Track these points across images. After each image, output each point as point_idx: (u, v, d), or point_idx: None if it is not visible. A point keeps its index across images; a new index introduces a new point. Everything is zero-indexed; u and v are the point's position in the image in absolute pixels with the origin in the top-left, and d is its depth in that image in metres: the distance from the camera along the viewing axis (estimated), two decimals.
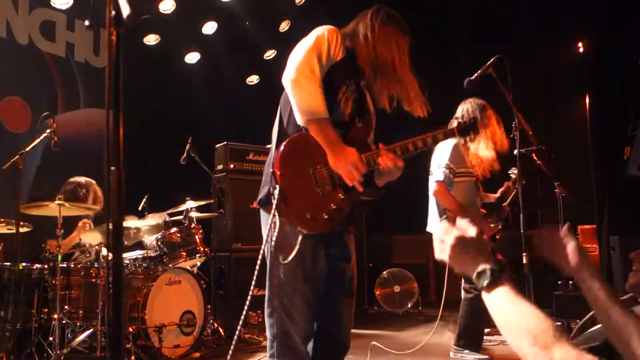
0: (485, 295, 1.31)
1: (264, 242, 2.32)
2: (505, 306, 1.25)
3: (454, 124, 3.90)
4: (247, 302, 2.26)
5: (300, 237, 2.23)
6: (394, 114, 2.50)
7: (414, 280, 6.97)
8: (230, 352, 2.34)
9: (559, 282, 5.66)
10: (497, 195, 4.50)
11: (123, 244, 1.06)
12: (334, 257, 2.38)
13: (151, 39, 6.69)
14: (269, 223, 2.27)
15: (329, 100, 2.29)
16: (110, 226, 1.05)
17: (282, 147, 2.24)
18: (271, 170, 2.25)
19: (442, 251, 1.41)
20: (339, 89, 2.35)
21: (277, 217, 2.23)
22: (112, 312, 1.02)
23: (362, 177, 2.25)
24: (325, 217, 2.23)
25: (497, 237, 4.40)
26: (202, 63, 7.22)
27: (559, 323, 4.95)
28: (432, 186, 4.15)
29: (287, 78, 2.24)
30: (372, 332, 5.75)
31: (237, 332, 2.39)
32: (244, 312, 2.29)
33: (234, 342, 2.33)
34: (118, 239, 1.05)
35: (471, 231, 1.38)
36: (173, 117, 6.74)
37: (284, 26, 7.37)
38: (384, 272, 7.08)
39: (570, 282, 5.94)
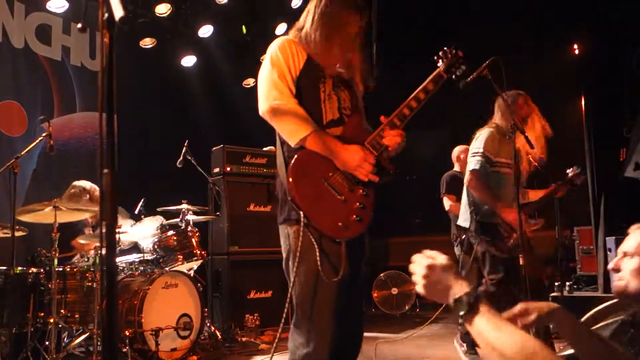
0: (467, 326, 1.29)
1: (285, 255, 2.32)
2: (489, 333, 1.23)
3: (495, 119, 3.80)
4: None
5: (343, 246, 2.21)
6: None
7: (411, 282, 6.94)
8: None
9: (556, 284, 5.67)
10: (541, 195, 4.09)
11: (116, 247, 1.06)
12: (355, 258, 2.34)
13: (147, 42, 6.70)
14: (289, 238, 2.27)
15: (314, 107, 2.31)
16: (104, 229, 1.05)
17: (290, 172, 2.24)
18: (289, 198, 2.23)
19: (416, 283, 1.39)
20: (317, 92, 2.35)
21: (299, 239, 2.19)
22: (104, 315, 1.01)
23: (374, 168, 2.26)
24: (356, 219, 2.25)
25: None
26: (199, 66, 7.22)
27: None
28: (466, 176, 3.90)
29: (262, 111, 2.27)
30: (370, 335, 5.75)
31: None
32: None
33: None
34: (111, 242, 1.05)
35: (440, 259, 1.36)
36: (169, 120, 6.74)
37: (281, 29, 7.37)
38: (381, 275, 7.07)
39: (568, 283, 5.96)
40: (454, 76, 2.50)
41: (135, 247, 5.21)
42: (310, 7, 2.43)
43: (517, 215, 3.34)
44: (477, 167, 3.77)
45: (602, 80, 5.92)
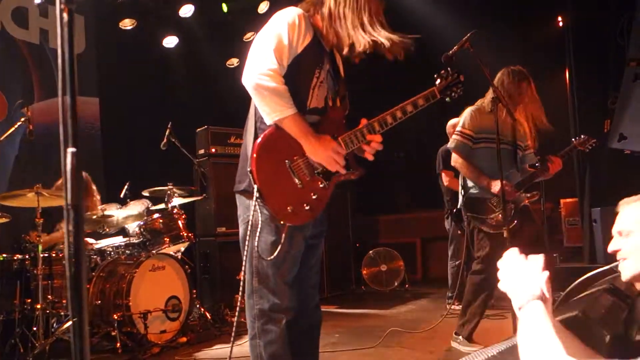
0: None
1: (241, 225, 2.34)
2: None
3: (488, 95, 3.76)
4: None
5: (281, 228, 2.24)
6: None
7: (400, 258, 7.00)
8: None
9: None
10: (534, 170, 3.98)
11: (83, 230, 1.04)
12: (311, 237, 2.41)
13: (127, 24, 6.58)
14: (249, 209, 2.26)
15: (303, 90, 2.28)
16: (71, 211, 1.03)
17: (256, 146, 2.22)
18: (248, 169, 2.22)
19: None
20: (311, 76, 2.32)
21: (258, 212, 2.22)
22: (72, 301, 1.00)
23: (342, 160, 2.27)
24: (307, 207, 2.26)
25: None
26: (181, 47, 7.12)
27: (561, 293, 5.00)
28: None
29: (248, 81, 2.20)
30: (361, 312, 5.80)
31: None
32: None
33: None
34: (78, 225, 1.02)
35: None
36: (153, 102, 6.66)
37: (263, 7, 7.27)
38: (370, 252, 7.10)
39: (555, 254, 6.02)
40: (447, 98, 2.45)
41: (121, 231, 5.18)
42: None
43: (509, 188, 3.46)
44: (454, 145, 3.86)
45: (586, 52, 5.91)
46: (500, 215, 3.62)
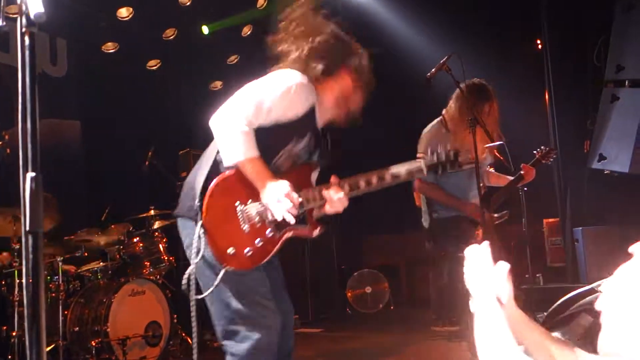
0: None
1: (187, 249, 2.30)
2: None
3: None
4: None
5: (222, 272, 2.19)
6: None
7: (385, 280, 6.97)
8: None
9: (526, 276, 5.72)
10: (510, 179, 3.99)
11: (42, 258, 1.01)
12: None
13: (110, 47, 6.56)
14: (193, 235, 2.22)
15: (270, 152, 2.25)
16: (30, 238, 1.00)
17: (212, 184, 2.21)
18: (198, 203, 2.20)
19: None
20: (283, 144, 2.30)
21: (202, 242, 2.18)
22: (30, 331, 0.97)
23: (294, 210, 2.16)
24: (249, 253, 2.20)
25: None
26: (164, 70, 7.11)
27: (544, 313, 5.00)
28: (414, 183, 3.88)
29: (217, 119, 2.20)
30: (345, 334, 5.74)
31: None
32: None
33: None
34: (37, 251, 1.00)
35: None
36: (135, 125, 6.62)
37: (247, 30, 7.31)
38: (355, 274, 7.06)
39: (537, 275, 6.02)
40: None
41: (102, 255, 5.10)
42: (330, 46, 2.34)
43: (478, 208, 3.38)
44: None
45: (565, 74, 5.99)
46: (472, 235, 3.59)
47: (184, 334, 4.92)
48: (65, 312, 4.27)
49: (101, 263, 4.86)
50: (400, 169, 2.26)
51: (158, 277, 4.82)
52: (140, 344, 4.31)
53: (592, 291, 2.21)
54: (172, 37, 6.87)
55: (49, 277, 4.30)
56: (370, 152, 6.02)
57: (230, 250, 2.18)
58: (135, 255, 4.73)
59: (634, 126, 4.93)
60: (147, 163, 5.32)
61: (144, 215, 5.01)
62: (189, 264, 2.23)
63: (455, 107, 3.74)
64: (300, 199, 2.19)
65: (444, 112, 3.90)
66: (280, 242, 2.26)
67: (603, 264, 5.06)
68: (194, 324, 2.27)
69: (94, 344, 4.06)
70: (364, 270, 7.09)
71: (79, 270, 4.75)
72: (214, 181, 2.21)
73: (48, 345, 4.07)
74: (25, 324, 0.98)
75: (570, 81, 6.02)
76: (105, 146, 6.27)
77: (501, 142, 4.18)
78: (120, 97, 6.47)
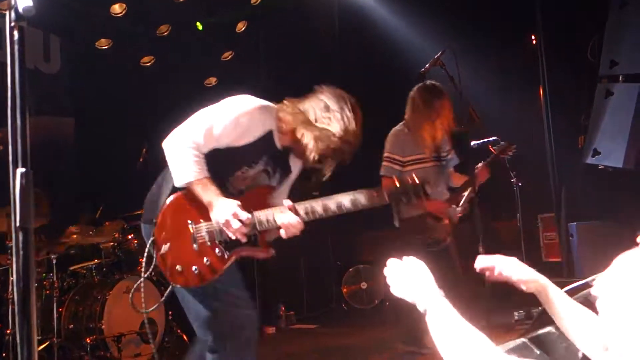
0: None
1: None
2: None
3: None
4: None
5: (169, 289, 2.39)
6: None
7: (380, 276, 6.97)
8: None
9: None
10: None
11: (33, 253, 1.00)
12: None
13: (103, 43, 6.52)
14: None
15: (222, 175, 2.32)
16: (20, 234, 0.99)
17: (167, 202, 2.30)
18: (154, 220, 2.30)
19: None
20: (236, 168, 2.37)
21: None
22: (21, 328, 0.96)
23: (244, 229, 2.20)
24: (195, 271, 2.24)
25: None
26: (158, 66, 7.08)
27: (522, 311, 5.02)
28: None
29: (169, 142, 2.28)
30: (340, 330, 5.75)
31: None
32: None
33: None
34: (27, 247, 0.99)
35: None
36: (129, 122, 6.59)
37: (241, 27, 7.29)
38: (350, 269, 7.07)
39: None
40: (392, 205, 2.33)
41: (96, 253, 5.08)
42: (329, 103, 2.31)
43: (442, 205, 3.62)
44: (384, 171, 3.85)
45: (560, 70, 6.00)
46: (437, 232, 3.74)
47: (179, 331, 4.91)
48: (60, 310, 4.26)
49: (95, 260, 4.84)
50: (360, 197, 2.22)
51: (152, 274, 4.80)
52: (136, 341, 4.31)
53: (587, 285, 2.22)
54: (166, 33, 6.83)
55: (43, 275, 4.29)
56: (361, 148, 6.02)
57: (179, 268, 2.25)
58: (130, 252, 4.72)
59: (628, 121, 4.94)
60: (141, 160, 5.30)
61: (138, 212, 4.98)
62: None
63: (411, 108, 3.86)
64: (250, 219, 2.21)
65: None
66: (229, 261, 2.29)
67: (598, 259, 5.06)
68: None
69: (88, 341, 4.05)
70: (359, 266, 7.09)
71: (74, 268, 4.73)
72: (169, 200, 2.30)
73: (43, 343, 4.06)
74: (16, 321, 0.97)
75: (565, 77, 6.03)
76: (99, 143, 6.24)
77: (495, 138, 4.24)
78: (114, 93, 6.44)
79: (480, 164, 3.87)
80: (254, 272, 5.86)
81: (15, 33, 1.00)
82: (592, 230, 5.48)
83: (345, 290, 7.03)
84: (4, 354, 3.89)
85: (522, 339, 2.03)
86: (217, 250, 2.26)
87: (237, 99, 2.35)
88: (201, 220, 2.27)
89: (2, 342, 3.95)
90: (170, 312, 4.61)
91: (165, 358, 4.47)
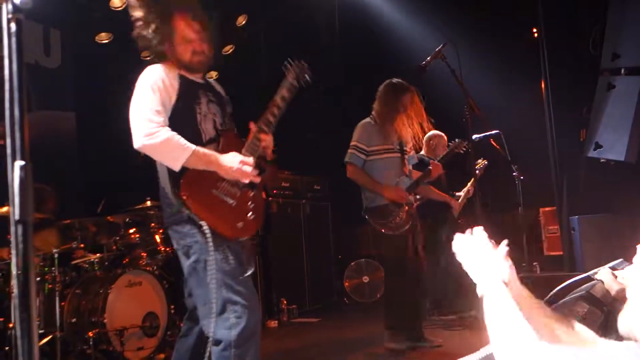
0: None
1: (184, 254, 2.46)
2: None
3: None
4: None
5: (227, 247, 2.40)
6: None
7: (382, 270, 6.98)
8: None
9: (523, 265, 5.74)
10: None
11: (32, 248, 1.00)
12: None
13: (103, 37, 6.52)
14: (192, 235, 2.40)
15: (192, 129, 2.44)
16: (19, 228, 0.99)
17: (183, 192, 2.34)
18: (187, 211, 2.34)
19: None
20: (194, 113, 2.49)
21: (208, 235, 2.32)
22: (22, 323, 0.96)
23: (254, 169, 2.40)
24: (251, 217, 2.46)
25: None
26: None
27: None
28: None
29: (138, 146, 2.35)
30: (342, 324, 5.76)
31: None
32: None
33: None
34: (27, 241, 0.99)
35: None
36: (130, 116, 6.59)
37: (241, 20, 7.28)
38: (352, 263, 7.07)
39: (534, 264, 6.05)
40: (303, 83, 2.68)
41: (98, 246, 5.09)
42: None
43: (402, 193, 4.01)
44: (348, 158, 4.16)
45: (561, 63, 5.98)
46: (398, 218, 4.05)
47: (181, 324, 4.92)
48: (62, 304, 4.27)
49: (98, 254, 4.84)
50: (281, 91, 2.60)
51: (154, 268, 4.82)
52: (138, 335, 4.31)
53: (589, 279, 2.22)
54: None
55: (45, 269, 4.29)
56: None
57: (240, 225, 2.41)
58: (132, 246, 4.73)
59: (630, 114, 4.93)
60: (142, 154, 5.28)
61: (140, 206, 4.99)
62: None
63: (378, 102, 4.17)
64: (251, 158, 2.42)
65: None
66: (262, 194, 2.55)
67: (599, 252, 5.08)
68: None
69: (91, 335, 4.05)
70: (361, 260, 7.10)
71: (76, 262, 4.74)
72: (182, 182, 2.34)
73: (45, 337, 4.07)
74: (16, 314, 0.98)
75: (567, 70, 6.01)
76: (101, 137, 6.24)
77: (497, 132, 4.29)
78: (115, 87, 6.42)
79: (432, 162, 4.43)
80: (256, 266, 5.87)
81: (13, 25, 0.99)
82: (594, 224, 5.48)
83: (347, 284, 7.05)
84: (7, 348, 3.90)
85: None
86: (249, 193, 2.48)
87: (144, 74, 2.53)
88: (218, 182, 2.40)
89: (5, 336, 3.96)
90: (172, 306, 4.62)
91: (168, 351, 4.48)
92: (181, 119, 2.43)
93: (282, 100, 2.58)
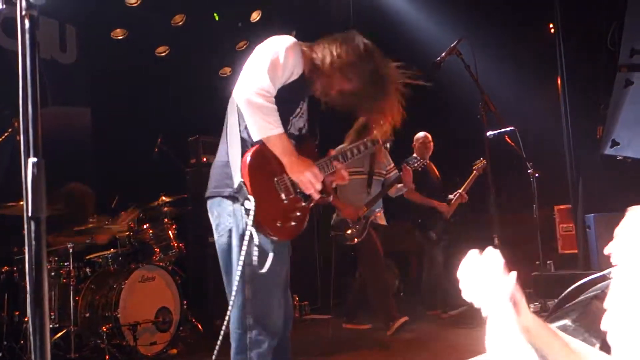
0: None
1: (222, 232, 2.34)
2: None
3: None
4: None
5: (272, 244, 2.27)
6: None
7: (394, 267, 6.96)
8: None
9: (537, 263, 5.68)
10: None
11: (45, 244, 1.00)
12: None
13: (119, 34, 6.54)
14: (235, 216, 2.28)
15: (284, 116, 2.29)
16: (32, 224, 0.99)
17: (248, 158, 2.23)
18: (241, 180, 2.21)
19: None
20: (295, 106, 2.38)
21: (252, 220, 2.19)
22: (32, 319, 0.96)
23: (321, 186, 2.30)
24: (293, 223, 2.31)
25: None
26: (173, 56, 7.09)
27: (538, 303, 4.99)
28: None
29: (240, 95, 2.20)
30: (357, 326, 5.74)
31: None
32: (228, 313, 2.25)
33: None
34: (39, 237, 0.99)
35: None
36: (145, 112, 6.62)
37: (255, 16, 7.27)
38: None
39: (548, 262, 5.99)
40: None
41: (111, 242, 5.12)
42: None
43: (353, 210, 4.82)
44: None
45: (578, 59, 5.91)
46: (351, 230, 4.86)
47: (193, 320, 4.95)
48: (77, 298, 4.31)
49: (111, 250, 4.88)
50: (380, 138, 2.62)
51: (168, 263, 4.84)
52: (151, 330, 4.34)
53: (604, 278, 2.18)
54: (181, 23, 6.84)
55: (60, 263, 4.33)
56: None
57: (279, 223, 2.27)
58: (145, 242, 4.75)
59: None
60: (156, 150, 5.32)
61: (154, 202, 5.02)
62: (198, 250, 2.31)
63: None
64: (322, 174, 2.32)
65: None
66: (309, 211, 2.39)
67: None
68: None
69: (105, 330, 4.08)
70: None
71: (90, 257, 4.78)
72: (249, 157, 2.23)
73: (59, 331, 4.11)
74: (29, 309, 0.98)
75: (583, 66, 5.93)
76: (115, 133, 6.28)
77: (512, 128, 4.23)
78: (129, 83, 6.46)
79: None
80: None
81: (26, 22, 0.99)
82: (610, 222, 5.36)
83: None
84: (21, 342, 3.95)
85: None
86: (301, 201, 2.35)
87: (279, 36, 2.35)
88: (280, 174, 2.28)
89: (20, 330, 4.01)
90: (185, 302, 4.64)
91: (180, 346, 4.50)
92: (283, 100, 2.27)
93: (365, 146, 2.58)
